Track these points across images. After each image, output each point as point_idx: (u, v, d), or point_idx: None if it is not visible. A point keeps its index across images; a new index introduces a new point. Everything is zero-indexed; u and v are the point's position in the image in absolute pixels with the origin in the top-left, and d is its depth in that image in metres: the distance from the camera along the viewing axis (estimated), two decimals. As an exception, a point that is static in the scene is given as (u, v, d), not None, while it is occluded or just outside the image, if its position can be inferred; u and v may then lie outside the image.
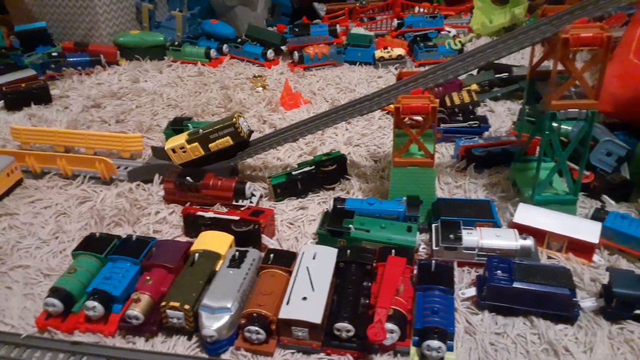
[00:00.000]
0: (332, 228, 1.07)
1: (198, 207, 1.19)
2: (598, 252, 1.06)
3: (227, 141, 1.29)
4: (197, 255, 1.00)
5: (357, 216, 1.11)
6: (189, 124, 1.52)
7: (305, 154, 1.51)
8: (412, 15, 2.30)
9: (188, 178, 1.24)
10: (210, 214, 1.13)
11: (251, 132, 1.35)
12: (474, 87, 1.77)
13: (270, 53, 2.19)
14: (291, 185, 1.29)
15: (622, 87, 1.38)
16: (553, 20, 1.04)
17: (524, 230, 1.05)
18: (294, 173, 1.28)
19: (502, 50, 1.13)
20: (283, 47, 2.23)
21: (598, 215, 1.08)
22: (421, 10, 2.48)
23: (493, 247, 1.02)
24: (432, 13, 2.31)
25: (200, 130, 1.30)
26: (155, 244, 1.04)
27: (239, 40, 2.25)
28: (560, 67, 1.00)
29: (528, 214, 1.08)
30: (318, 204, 1.28)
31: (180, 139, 1.31)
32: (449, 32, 2.30)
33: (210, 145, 1.30)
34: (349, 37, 2.22)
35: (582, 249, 1.03)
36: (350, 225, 1.07)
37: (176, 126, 1.52)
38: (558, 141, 1.07)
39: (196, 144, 1.30)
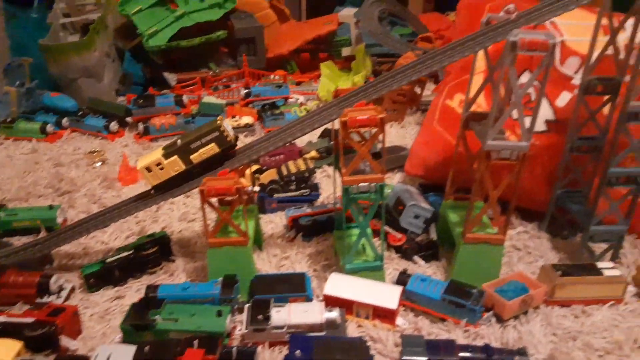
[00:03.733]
0: (134, 322, 1.02)
1: (-8, 310, 1.08)
2: (404, 315, 1.11)
3: (212, 149, 1.14)
4: (-31, 372, 0.89)
5: (169, 304, 1.07)
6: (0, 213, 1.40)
7: (135, 234, 1.45)
8: (259, 85, 2.38)
9: (-19, 279, 1.13)
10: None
11: (237, 137, 1.21)
12: (313, 153, 1.85)
13: (113, 125, 2.12)
14: (107, 274, 1.21)
15: (429, 152, 1.52)
16: (340, 102, 1.12)
17: (334, 301, 1.08)
18: (108, 260, 1.21)
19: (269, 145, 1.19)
20: (128, 119, 2.18)
21: (401, 279, 1.14)
22: (276, 78, 2.57)
23: (301, 323, 1.02)
24: (277, 82, 2.41)
25: (178, 141, 1.15)
26: None
27: (81, 112, 2.16)
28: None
29: (337, 284, 1.11)
30: (137, 291, 1.21)
31: (156, 154, 1.16)
32: (297, 99, 2.40)
33: (192, 156, 1.15)
34: (201, 106, 2.23)
35: (385, 314, 1.07)
36: (157, 317, 1.03)
37: (-18, 217, 1.39)
38: (356, 211, 1.13)
39: (175, 157, 1.14)
